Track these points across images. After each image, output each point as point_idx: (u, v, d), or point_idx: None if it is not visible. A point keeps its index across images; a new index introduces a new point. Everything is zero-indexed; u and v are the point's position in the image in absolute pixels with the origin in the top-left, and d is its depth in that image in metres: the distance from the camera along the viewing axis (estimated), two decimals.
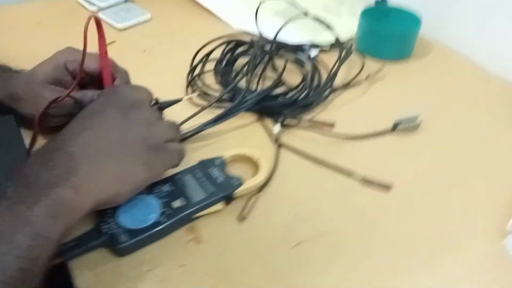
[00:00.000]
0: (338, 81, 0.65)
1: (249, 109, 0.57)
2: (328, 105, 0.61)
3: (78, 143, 0.36)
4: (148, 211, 0.42)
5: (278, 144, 0.53)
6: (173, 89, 0.62)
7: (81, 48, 0.42)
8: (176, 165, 0.44)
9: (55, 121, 0.48)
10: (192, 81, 0.63)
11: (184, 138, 0.52)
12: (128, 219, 0.41)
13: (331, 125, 0.57)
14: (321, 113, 0.59)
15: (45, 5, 0.82)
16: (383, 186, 0.49)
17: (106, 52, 0.47)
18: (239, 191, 0.45)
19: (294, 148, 0.53)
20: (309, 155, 0.52)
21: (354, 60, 0.69)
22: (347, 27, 0.75)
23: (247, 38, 0.70)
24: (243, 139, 0.55)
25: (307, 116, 0.58)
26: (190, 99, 0.59)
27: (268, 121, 0.57)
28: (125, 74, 0.50)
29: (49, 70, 0.46)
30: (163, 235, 0.42)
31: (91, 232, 0.40)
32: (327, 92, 0.62)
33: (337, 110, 0.60)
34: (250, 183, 0.46)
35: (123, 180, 0.38)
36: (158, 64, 0.68)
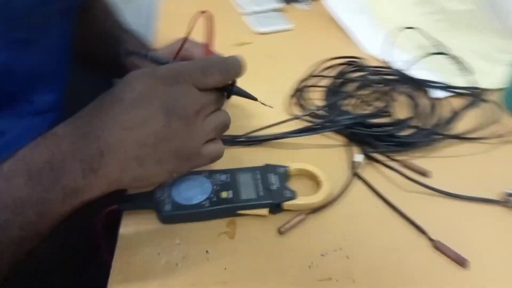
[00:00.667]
0: (457, 129, 0.57)
1: (339, 132, 0.55)
2: (432, 152, 0.54)
3: (110, 136, 0.35)
4: (198, 192, 0.45)
5: (354, 172, 0.50)
6: (278, 95, 0.64)
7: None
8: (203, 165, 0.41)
9: None
10: (298, 92, 0.64)
11: (262, 140, 0.54)
12: (178, 193, 0.45)
13: (426, 174, 0.50)
14: (418, 158, 0.53)
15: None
16: (457, 260, 0.41)
17: (210, 45, 0.52)
18: (290, 204, 0.44)
19: (369, 183, 0.49)
20: (383, 196, 0.48)
21: (486, 111, 0.59)
22: (496, 77, 0.65)
23: (372, 63, 0.67)
24: (319, 157, 0.53)
25: (400, 156, 0.53)
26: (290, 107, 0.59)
27: (355, 149, 0.54)
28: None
29: (164, 53, 0.54)
30: (202, 218, 0.44)
31: (147, 193, 0.45)
32: (437, 137, 0.55)
33: (439, 160, 0.53)
34: (304, 200, 0.45)
35: (139, 180, 0.37)
36: (276, 70, 0.71)
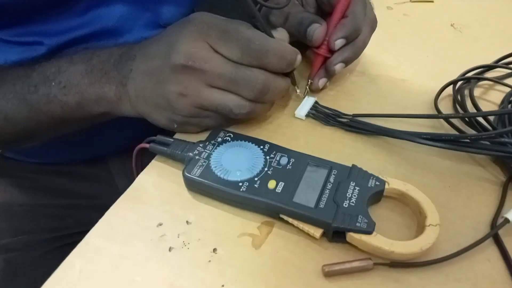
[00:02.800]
0: None
1: (501, 160, 0.34)
2: None
3: (136, 58, 0.35)
4: (241, 166, 0.32)
5: (494, 233, 0.30)
6: (429, 78, 0.44)
7: None
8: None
9: None
10: (460, 82, 0.42)
11: (370, 131, 0.37)
12: (219, 158, 0.33)
13: None
14: None
15: None
16: None
17: None
18: (357, 238, 0.28)
19: None
20: None
21: None
22: None
23: None
24: (443, 187, 0.34)
25: None
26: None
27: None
28: (357, 18, 0.38)
29: None
30: (232, 203, 0.32)
31: (187, 143, 0.35)
32: None
33: None
34: (382, 242, 0.28)
35: (146, 114, 0.36)
36: (457, 43, 0.50)
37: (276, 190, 0.31)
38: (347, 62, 0.40)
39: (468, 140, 0.34)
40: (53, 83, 0.36)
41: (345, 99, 0.42)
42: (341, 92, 0.43)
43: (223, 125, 0.37)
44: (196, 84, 0.33)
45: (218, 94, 0.33)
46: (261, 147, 0.34)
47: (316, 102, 0.41)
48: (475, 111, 0.39)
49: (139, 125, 0.38)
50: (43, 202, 0.54)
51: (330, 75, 0.41)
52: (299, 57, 0.34)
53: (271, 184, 0.31)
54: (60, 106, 0.37)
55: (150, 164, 0.35)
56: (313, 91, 0.42)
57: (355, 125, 0.38)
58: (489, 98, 0.42)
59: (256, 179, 0.31)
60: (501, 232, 0.30)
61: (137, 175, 0.35)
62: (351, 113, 0.39)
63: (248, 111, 0.34)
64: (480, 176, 0.34)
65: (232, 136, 0.35)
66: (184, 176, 0.32)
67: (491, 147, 0.33)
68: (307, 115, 0.40)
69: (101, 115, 0.38)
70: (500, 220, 0.30)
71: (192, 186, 0.33)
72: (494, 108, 0.41)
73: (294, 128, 0.39)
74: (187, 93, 0.33)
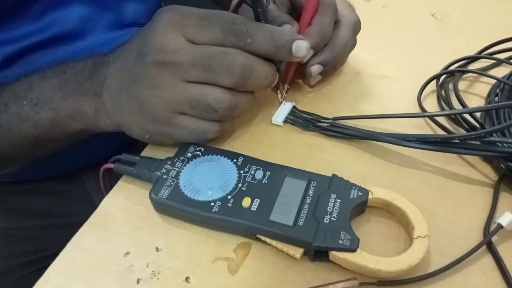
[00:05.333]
0: None
1: (490, 160, 0.32)
2: None
3: (111, 64, 0.33)
4: (213, 184, 0.30)
5: (487, 241, 0.28)
6: (411, 74, 0.42)
7: None
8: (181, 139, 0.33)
9: None
10: (444, 77, 0.40)
11: (352, 135, 0.34)
12: (189, 176, 0.30)
13: None
14: None
15: None
16: None
17: None
18: (340, 257, 0.26)
19: (508, 271, 0.27)
20: None
21: None
22: None
23: None
24: (431, 192, 0.31)
25: None
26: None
27: (506, 200, 0.31)
28: (330, 10, 0.35)
29: None
30: (205, 224, 0.29)
31: (149, 160, 0.32)
32: None
33: None
34: (367, 260, 0.26)
35: (122, 124, 0.33)
36: (439, 34, 0.48)
37: (251, 209, 0.28)
38: (324, 64, 0.38)
39: (456, 141, 0.32)
40: (24, 101, 0.34)
41: (324, 101, 0.40)
42: (319, 94, 0.41)
43: (199, 136, 0.32)
44: (169, 81, 0.29)
45: (194, 88, 0.29)
46: (234, 160, 0.31)
47: (294, 107, 0.38)
48: (460, 107, 0.36)
49: (114, 137, 0.36)
50: (15, 224, 0.51)
51: (306, 77, 0.38)
52: (299, 43, 0.30)
53: (246, 202, 0.28)
54: (33, 125, 0.34)
55: (116, 186, 0.33)
56: (308, 84, 0.40)
57: (336, 130, 0.36)
58: (475, 91, 0.40)
59: (229, 197, 0.29)
60: (494, 239, 0.28)
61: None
62: (331, 116, 0.37)
63: (229, 105, 0.30)
64: (469, 177, 0.32)
65: (202, 150, 0.33)
66: (151, 198, 0.30)
67: (480, 147, 0.31)
68: (285, 121, 0.37)
69: (78, 132, 0.35)
70: (493, 226, 0.28)
71: (161, 208, 0.30)
72: (481, 101, 0.39)
73: (271, 135, 0.36)
74: (159, 93, 0.29)
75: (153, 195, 0.29)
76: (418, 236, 0.27)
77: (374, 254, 0.26)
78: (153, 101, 0.30)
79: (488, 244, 0.28)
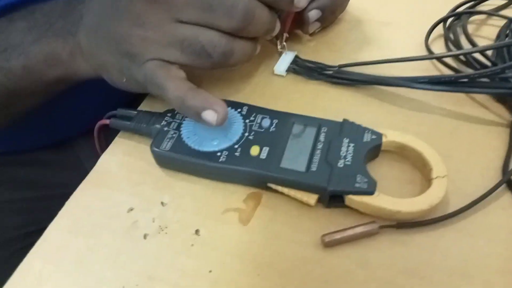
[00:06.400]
0: None
1: (504, 99, 0.31)
2: None
3: (91, 3, 0.29)
4: (218, 134, 0.28)
5: (507, 179, 0.27)
6: (417, 17, 0.40)
7: None
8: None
9: None
10: (452, 19, 0.38)
11: (359, 81, 0.33)
12: (190, 127, 0.29)
13: None
14: None
15: None
16: None
17: None
18: (358, 201, 0.25)
19: None
20: None
21: None
22: None
23: None
24: (445, 134, 0.30)
25: None
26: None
27: None
28: None
29: None
30: (212, 176, 0.28)
31: (148, 114, 0.30)
32: None
33: None
34: (386, 201, 0.25)
35: (100, 67, 0.30)
36: None
37: (260, 157, 0.27)
38: (323, 9, 0.35)
39: (467, 80, 0.30)
40: None
41: (327, 49, 0.38)
42: (321, 42, 0.39)
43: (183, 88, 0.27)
44: (158, 19, 0.26)
45: (186, 29, 0.26)
46: (239, 110, 0.30)
47: (296, 56, 0.36)
48: (470, 47, 0.35)
49: (107, 101, 0.33)
50: (8, 197, 0.49)
51: (304, 24, 0.36)
52: None
53: (254, 150, 0.27)
54: (4, 75, 0.31)
55: (113, 142, 0.31)
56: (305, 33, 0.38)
57: (342, 76, 0.34)
58: (484, 34, 0.38)
59: (236, 146, 0.27)
60: None
61: None
62: (336, 65, 0.35)
63: (224, 50, 0.27)
64: (483, 119, 0.31)
65: None
66: (152, 151, 0.28)
67: (494, 84, 0.29)
68: (288, 71, 0.36)
69: (55, 80, 0.32)
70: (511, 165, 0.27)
71: (163, 162, 0.28)
72: (491, 43, 0.37)
73: (274, 86, 0.35)
74: (144, 32, 0.26)
75: (154, 148, 0.28)
76: (437, 177, 0.26)
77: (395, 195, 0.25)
78: (135, 41, 0.26)
79: (508, 182, 0.27)
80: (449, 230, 0.25)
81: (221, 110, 0.26)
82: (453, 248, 0.24)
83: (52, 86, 0.33)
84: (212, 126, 0.26)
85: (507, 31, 0.36)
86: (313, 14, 0.35)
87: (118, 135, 0.31)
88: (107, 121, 0.31)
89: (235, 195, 0.27)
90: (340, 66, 0.35)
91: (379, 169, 0.28)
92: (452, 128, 0.31)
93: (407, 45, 0.38)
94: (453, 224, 0.25)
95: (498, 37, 0.36)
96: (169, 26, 0.26)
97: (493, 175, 0.27)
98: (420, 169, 0.28)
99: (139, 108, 0.32)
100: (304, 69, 0.35)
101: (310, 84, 0.35)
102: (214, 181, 0.28)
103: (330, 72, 0.35)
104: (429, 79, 0.30)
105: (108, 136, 0.32)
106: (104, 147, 0.32)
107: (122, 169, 0.29)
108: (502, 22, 0.37)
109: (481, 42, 0.37)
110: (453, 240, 0.25)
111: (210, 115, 0.26)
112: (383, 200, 0.25)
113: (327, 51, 0.38)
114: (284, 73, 0.35)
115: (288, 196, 0.26)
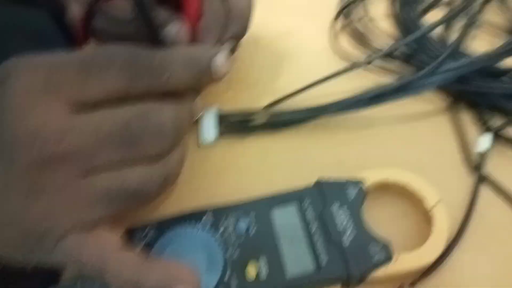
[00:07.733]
0: None
1: (440, 88, 0.31)
2: None
3: None
4: (200, 271, 0.22)
5: (479, 175, 0.27)
6: (312, 17, 0.37)
7: None
8: None
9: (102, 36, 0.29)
10: (346, 9, 0.37)
11: (294, 121, 0.29)
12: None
13: None
14: None
15: None
16: None
17: None
18: (383, 275, 0.22)
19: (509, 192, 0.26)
20: None
21: None
22: None
23: None
24: (409, 142, 0.29)
25: None
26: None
27: (467, 117, 0.30)
28: (216, 16, 0.28)
29: None
30: None
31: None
32: None
33: None
34: (407, 257, 0.23)
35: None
36: None
37: (260, 279, 0.22)
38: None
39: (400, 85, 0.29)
40: None
41: (246, 90, 0.33)
42: (236, 82, 0.34)
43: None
44: (63, 177, 0.18)
45: (107, 177, 0.19)
46: (203, 222, 0.24)
47: (218, 112, 0.31)
48: (386, 43, 0.34)
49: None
50: None
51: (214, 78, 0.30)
52: (218, 58, 0.20)
53: (250, 271, 0.22)
54: None
55: None
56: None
57: (277, 121, 0.30)
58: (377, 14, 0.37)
59: (226, 278, 0.22)
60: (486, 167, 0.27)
61: None
62: (260, 106, 0.31)
63: (160, 180, 0.20)
64: (433, 108, 0.31)
65: (154, 228, 0.24)
66: None
67: (435, 79, 0.29)
68: (217, 136, 0.30)
69: None
70: (477, 159, 0.28)
71: None
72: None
73: (208, 163, 0.29)
74: (47, 201, 0.18)
75: None
76: (432, 206, 0.24)
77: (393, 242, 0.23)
78: (36, 215, 0.19)
79: (482, 178, 0.27)
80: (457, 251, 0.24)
81: (192, 280, 0.20)
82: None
83: None
84: None
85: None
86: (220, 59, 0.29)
87: None
88: None
89: None
90: (266, 108, 0.31)
91: (367, 214, 0.25)
92: (411, 134, 0.30)
93: (317, 48, 0.35)
94: (461, 244, 0.25)
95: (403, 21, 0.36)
96: (81, 182, 0.19)
97: (466, 171, 0.28)
98: (408, 197, 0.26)
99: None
100: (232, 125, 0.31)
101: (248, 143, 0.30)
102: None
103: (262, 121, 0.30)
104: (373, 94, 0.28)
105: None
106: None
107: None
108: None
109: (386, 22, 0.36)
110: (468, 261, 0.24)
111: None
112: (405, 261, 0.23)
113: (246, 91, 0.33)
114: (212, 140, 0.30)
115: None
